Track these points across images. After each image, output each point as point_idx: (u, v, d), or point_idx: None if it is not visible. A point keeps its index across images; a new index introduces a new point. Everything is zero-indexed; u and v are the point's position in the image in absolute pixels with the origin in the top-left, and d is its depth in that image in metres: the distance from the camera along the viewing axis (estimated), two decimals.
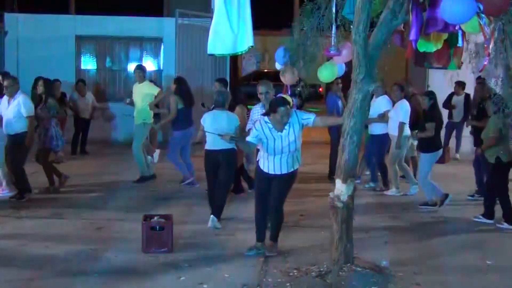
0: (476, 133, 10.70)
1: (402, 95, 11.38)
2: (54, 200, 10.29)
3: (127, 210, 9.70)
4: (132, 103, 12.03)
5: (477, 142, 10.47)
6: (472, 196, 10.88)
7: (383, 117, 11.16)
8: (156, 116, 12.72)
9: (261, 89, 8.64)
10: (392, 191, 11.24)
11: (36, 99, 12.75)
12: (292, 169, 7.39)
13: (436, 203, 10.18)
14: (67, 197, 10.57)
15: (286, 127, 7.10)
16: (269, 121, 7.11)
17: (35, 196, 10.39)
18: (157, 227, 7.59)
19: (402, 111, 11.05)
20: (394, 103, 11.40)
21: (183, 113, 11.21)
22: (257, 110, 8.82)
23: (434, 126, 10.00)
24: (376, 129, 11.41)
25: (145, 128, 11.92)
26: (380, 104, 11.37)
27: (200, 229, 8.62)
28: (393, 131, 11.08)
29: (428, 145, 10.04)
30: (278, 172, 7.32)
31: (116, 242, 8.00)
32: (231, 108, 9.99)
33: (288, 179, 7.46)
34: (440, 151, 10.38)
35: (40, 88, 11.03)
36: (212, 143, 8.60)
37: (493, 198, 9.42)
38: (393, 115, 11.12)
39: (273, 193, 7.44)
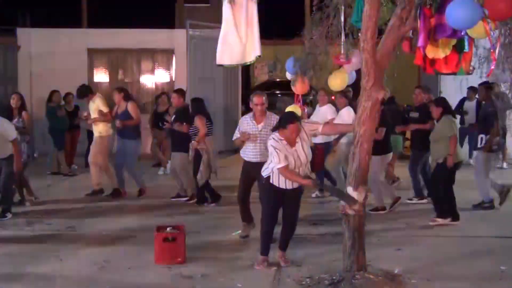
0: (416, 134, 11.17)
1: (346, 102, 11.41)
2: (67, 212, 10.36)
3: (140, 221, 9.76)
4: (88, 117, 12.02)
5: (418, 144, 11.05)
6: (411, 199, 11.18)
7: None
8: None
9: (256, 100, 8.47)
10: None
11: (52, 112, 12.93)
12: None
13: (384, 208, 10.39)
14: (80, 208, 10.64)
15: (298, 140, 7.08)
16: (281, 138, 7.05)
17: (48, 208, 10.49)
18: (170, 238, 7.62)
19: (347, 118, 11.01)
20: (338, 111, 11.51)
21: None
22: (246, 121, 8.67)
23: (384, 131, 10.16)
24: (318, 138, 11.39)
25: (102, 141, 11.78)
26: (325, 112, 11.48)
27: (213, 239, 8.65)
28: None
29: (377, 148, 10.13)
30: (295, 186, 7.28)
31: (129, 254, 8.03)
32: (192, 119, 10.53)
33: (301, 191, 7.46)
34: (390, 155, 10.72)
35: (13, 102, 11.20)
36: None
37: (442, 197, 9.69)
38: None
39: (289, 208, 7.42)
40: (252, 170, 8.24)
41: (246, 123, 8.43)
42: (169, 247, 7.56)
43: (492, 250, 8.28)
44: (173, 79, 17.94)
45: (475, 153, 12.90)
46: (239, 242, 8.57)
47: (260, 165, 8.06)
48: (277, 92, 31.46)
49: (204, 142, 10.58)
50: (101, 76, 18.32)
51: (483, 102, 11.60)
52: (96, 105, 11.80)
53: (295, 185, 7.24)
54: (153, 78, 18.35)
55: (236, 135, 8.55)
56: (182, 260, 7.54)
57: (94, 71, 18.22)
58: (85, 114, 12.16)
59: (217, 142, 9.05)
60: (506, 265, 7.48)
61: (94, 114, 11.81)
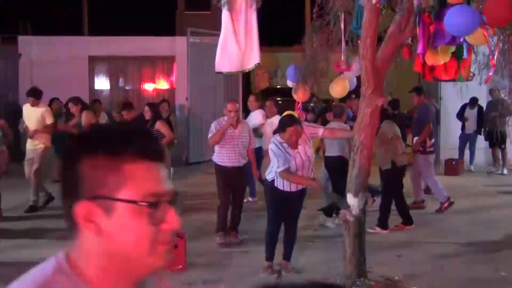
0: None
1: (276, 110, 11.36)
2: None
3: None
4: (27, 130, 11.18)
5: None
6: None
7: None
8: None
9: (229, 107, 8.67)
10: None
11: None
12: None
13: (449, 199, 10.59)
14: None
15: (300, 142, 7.12)
16: (282, 141, 7.08)
17: (49, 213, 10.53)
18: None
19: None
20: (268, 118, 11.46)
21: None
22: (221, 125, 8.74)
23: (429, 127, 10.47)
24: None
25: (45, 152, 11.26)
26: (255, 117, 11.54)
27: (213, 246, 8.66)
28: (267, 144, 11.16)
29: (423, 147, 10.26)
30: (299, 189, 7.31)
31: None
32: (154, 123, 10.39)
33: (304, 194, 7.51)
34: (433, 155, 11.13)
35: None
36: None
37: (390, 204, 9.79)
38: (268, 130, 11.14)
39: (292, 212, 7.47)
40: (229, 176, 8.54)
41: (215, 127, 8.64)
42: None
43: (492, 256, 8.30)
44: (174, 86, 17.98)
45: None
46: (240, 248, 8.59)
47: (237, 170, 8.23)
48: (278, 99, 31.44)
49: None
50: (102, 83, 18.38)
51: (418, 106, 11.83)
52: (39, 115, 11.11)
53: (299, 188, 7.27)
54: (154, 86, 18.39)
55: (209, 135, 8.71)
56: (183, 267, 7.55)
57: (95, 78, 18.28)
58: (24, 126, 11.23)
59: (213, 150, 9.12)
60: (506, 271, 7.50)
61: (33, 123, 11.10)
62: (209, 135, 8.74)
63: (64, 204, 1.42)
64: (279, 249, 7.58)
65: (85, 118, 11.34)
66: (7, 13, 25.61)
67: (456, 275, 7.45)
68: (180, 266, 7.54)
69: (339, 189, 9.99)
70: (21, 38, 18.49)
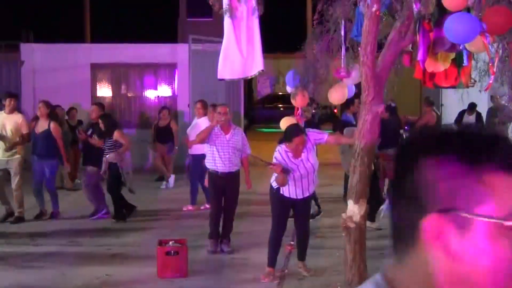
0: None
1: (204, 112, 11.47)
2: (71, 227, 10.40)
3: (142, 236, 9.79)
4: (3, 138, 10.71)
5: None
6: None
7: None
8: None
9: (220, 109, 8.80)
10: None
11: None
12: (313, 190, 7.50)
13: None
14: (83, 223, 10.67)
15: (304, 151, 7.18)
16: (288, 150, 7.16)
17: (52, 222, 10.55)
18: (172, 252, 7.65)
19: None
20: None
21: None
22: (214, 131, 8.77)
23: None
24: (195, 149, 11.43)
25: (20, 163, 10.85)
26: (201, 124, 11.43)
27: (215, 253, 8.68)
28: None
29: None
30: (305, 195, 7.38)
31: (132, 268, 8.07)
32: (111, 133, 10.55)
33: (310, 200, 7.58)
34: None
35: None
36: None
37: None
38: (192, 132, 11.15)
39: (300, 217, 7.60)
40: (219, 182, 8.63)
41: (214, 133, 8.68)
42: (172, 261, 7.60)
43: None
44: (176, 93, 18.00)
45: None
46: (241, 256, 8.59)
47: (228, 176, 8.27)
48: (280, 105, 31.55)
49: (124, 155, 10.77)
50: (104, 90, 18.41)
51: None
52: (16, 123, 10.69)
53: (305, 195, 7.37)
54: (156, 93, 18.43)
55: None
56: (184, 274, 7.57)
57: (97, 86, 18.31)
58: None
59: None
60: None
61: (8, 132, 10.64)
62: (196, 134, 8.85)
63: (397, 213, 1.22)
64: (280, 256, 7.60)
65: (56, 131, 10.86)
66: (9, 21, 25.68)
67: None
68: (182, 273, 7.55)
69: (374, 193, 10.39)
70: (23, 46, 18.52)
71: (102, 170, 10.73)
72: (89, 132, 11.17)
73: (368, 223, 9.97)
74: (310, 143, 7.22)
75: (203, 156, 11.11)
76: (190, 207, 11.70)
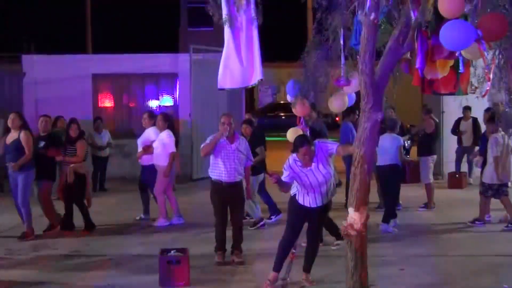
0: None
1: (166, 125, 11.35)
2: (74, 236, 10.40)
3: (144, 245, 9.80)
4: None
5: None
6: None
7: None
8: None
9: (223, 119, 8.72)
10: (160, 222, 11.30)
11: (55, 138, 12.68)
12: (329, 199, 7.53)
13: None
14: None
15: (314, 160, 7.22)
16: (297, 159, 7.22)
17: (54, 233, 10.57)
18: (174, 260, 7.66)
19: (169, 141, 11.18)
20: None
21: None
22: (210, 137, 8.81)
23: (263, 149, 10.84)
24: (144, 160, 11.55)
25: None
26: (149, 134, 11.56)
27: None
28: (159, 161, 11.20)
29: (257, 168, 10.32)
30: (319, 204, 7.39)
31: (134, 277, 8.08)
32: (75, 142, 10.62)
33: (326, 209, 7.60)
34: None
35: None
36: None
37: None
38: (158, 146, 11.21)
39: (313, 226, 7.62)
40: (223, 192, 8.63)
41: (219, 144, 8.68)
42: (174, 270, 7.61)
43: (494, 269, 8.31)
44: (177, 103, 18.03)
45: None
46: (242, 265, 8.59)
47: (233, 186, 8.31)
48: (281, 114, 31.56)
49: (82, 167, 10.73)
50: (106, 101, 18.45)
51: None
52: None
53: (317, 204, 7.38)
54: (158, 102, 18.47)
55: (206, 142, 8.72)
56: (186, 282, 7.58)
57: (99, 96, 18.35)
58: None
59: None
60: (509, 283, 7.50)
61: None
62: (201, 146, 8.81)
63: None
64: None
65: (26, 140, 10.21)
66: (11, 33, 25.77)
67: None
68: (184, 282, 7.56)
69: (392, 197, 10.85)
70: (25, 57, 18.57)
71: (69, 179, 10.50)
72: (42, 145, 10.66)
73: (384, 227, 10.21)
74: (322, 154, 7.26)
75: (152, 166, 11.23)
76: (142, 216, 11.70)
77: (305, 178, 7.20)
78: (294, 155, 7.27)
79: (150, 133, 11.59)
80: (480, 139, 12.40)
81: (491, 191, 10.63)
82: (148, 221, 11.53)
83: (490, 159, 10.60)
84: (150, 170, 11.45)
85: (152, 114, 11.94)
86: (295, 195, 7.49)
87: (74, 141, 10.79)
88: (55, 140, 10.95)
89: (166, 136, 11.24)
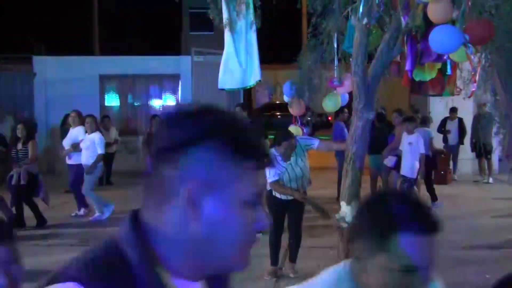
0: None
1: (93, 126, 11.20)
2: (82, 229, 10.38)
3: None
4: None
5: None
6: None
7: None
8: None
9: None
10: (95, 216, 11.17)
11: (66, 134, 12.65)
12: (304, 191, 7.49)
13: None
14: (94, 225, 10.67)
15: (293, 155, 7.19)
16: (277, 154, 7.17)
17: (63, 222, 10.54)
18: None
19: (99, 141, 11.06)
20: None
21: None
22: None
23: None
24: (74, 159, 11.43)
25: None
26: (77, 134, 11.46)
27: None
28: (86, 160, 11.04)
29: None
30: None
31: None
32: (26, 142, 10.34)
33: (303, 204, 7.55)
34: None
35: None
36: None
37: None
38: (88, 145, 11.08)
39: (293, 218, 7.55)
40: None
41: None
42: None
43: (478, 260, 8.30)
44: (179, 102, 18.02)
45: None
46: None
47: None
48: (277, 113, 31.53)
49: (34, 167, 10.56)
50: (112, 100, 18.43)
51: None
52: None
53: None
54: (161, 102, 18.46)
55: None
56: None
57: (106, 96, 18.33)
58: None
59: None
60: (491, 273, 7.49)
61: None
62: None
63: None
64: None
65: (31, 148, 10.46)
66: (22, 34, 25.71)
67: (449, 281, 7.40)
68: None
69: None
70: (35, 59, 18.55)
71: (22, 179, 10.30)
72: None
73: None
74: (300, 148, 7.24)
75: (79, 166, 11.04)
76: (82, 213, 11.51)
77: (285, 172, 7.19)
78: (273, 149, 7.20)
79: (79, 131, 11.43)
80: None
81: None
82: (84, 217, 11.33)
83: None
84: (78, 169, 11.23)
85: (80, 113, 11.69)
86: (271, 190, 7.38)
87: (24, 142, 10.53)
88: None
89: (97, 138, 11.10)
